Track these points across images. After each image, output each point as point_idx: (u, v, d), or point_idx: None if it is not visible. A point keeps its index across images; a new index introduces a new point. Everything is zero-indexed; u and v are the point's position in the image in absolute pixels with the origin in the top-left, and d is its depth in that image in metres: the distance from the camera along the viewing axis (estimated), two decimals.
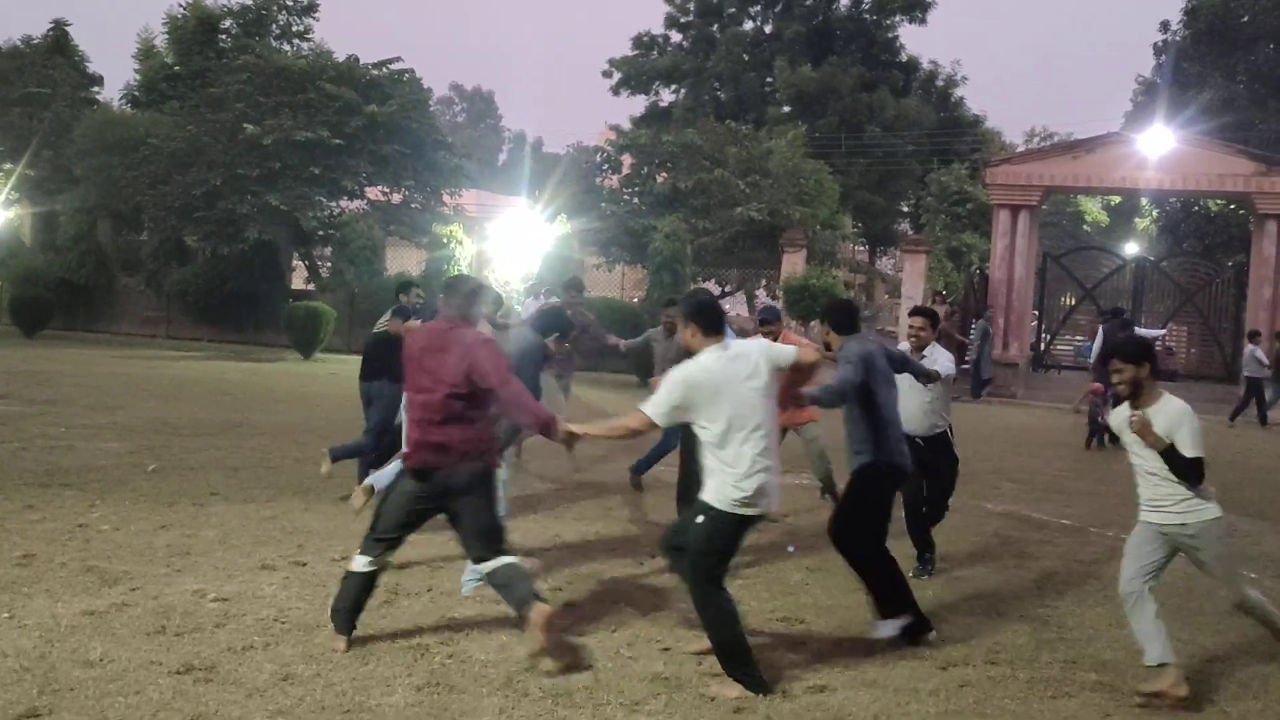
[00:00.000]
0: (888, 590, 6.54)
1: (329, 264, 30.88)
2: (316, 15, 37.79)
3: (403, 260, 32.46)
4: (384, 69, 31.29)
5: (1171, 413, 5.76)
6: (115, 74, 49.87)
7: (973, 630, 6.82)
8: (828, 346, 6.88)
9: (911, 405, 7.72)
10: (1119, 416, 5.99)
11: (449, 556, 7.60)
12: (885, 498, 6.75)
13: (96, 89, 39.57)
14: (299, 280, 33.86)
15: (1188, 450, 5.67)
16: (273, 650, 5.72)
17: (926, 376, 7.71)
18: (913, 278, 26.76)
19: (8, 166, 31.95)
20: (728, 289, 31.62)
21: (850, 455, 6.75)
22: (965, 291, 29.07)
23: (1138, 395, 5.83)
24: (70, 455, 11.06)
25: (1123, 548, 6.10)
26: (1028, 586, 7.98)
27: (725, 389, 5.48)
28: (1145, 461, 5.86)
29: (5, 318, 29.76)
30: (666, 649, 6.10)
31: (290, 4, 37.39)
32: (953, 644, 6.49)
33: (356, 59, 31.30)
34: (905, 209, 49.13)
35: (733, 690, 5.41)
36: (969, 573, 8.28)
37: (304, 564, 7.47)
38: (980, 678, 5.93)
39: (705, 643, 5.69)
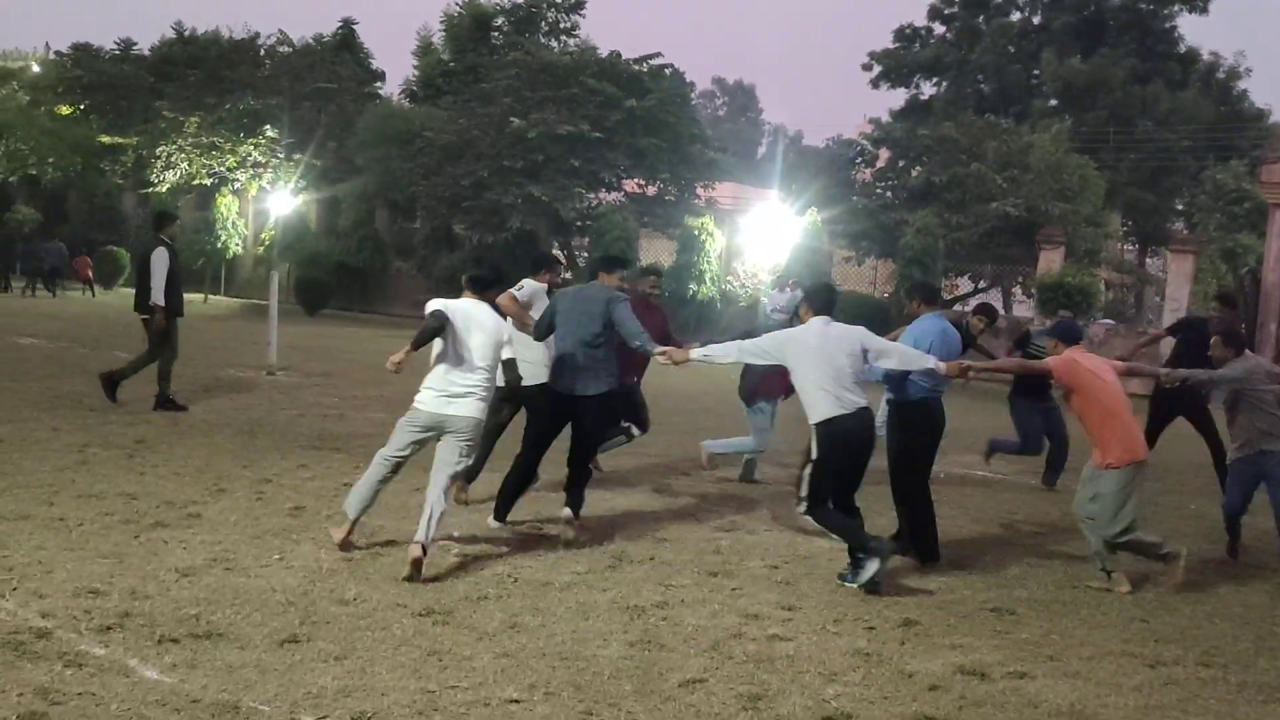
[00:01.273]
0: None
1: (586, 253, 31.96)
2: (584, 12, 39.06)
3: (656, 250, 33.25)
4: (644, 64, 32.14)
5: None
6: (396, 70, 53.04)
7: (1191, 631, 6.74)
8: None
9: None
10: None
11: (671, 529, 8.02)
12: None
13: (379, 84, 42.14)
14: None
15: None
16: (504, 601, 6.26)
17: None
18: (1179, 279, 25.60)
19: (297, 156, 34.43)
20: (982, 285, 30.99)
21: None
22: (1236, 295, 27.51)
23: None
24: (341, 423, 12.07)
25: None
26: (1259, 594, 7.76)
27: None
28: None
29: (290, 297, 32.14)
30: (871, 628, 6.32)
31: (559, 1, 38.79)
32: (1166, 643, 6.45)
33: (619, 55, 32.28)
34: (1179, 207, 46.79)
35: None
36: (1200, 575, 8.11)
37: (540, 528, 8.03)
38: (1189, 677, 5.90)
39: None
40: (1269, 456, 8.32)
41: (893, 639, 6.15)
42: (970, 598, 7.11)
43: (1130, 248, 49.85)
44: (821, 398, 7.01)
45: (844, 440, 7.04)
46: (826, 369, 7.04)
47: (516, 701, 4.86)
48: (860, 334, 7.29)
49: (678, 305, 27.72)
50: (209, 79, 35.72)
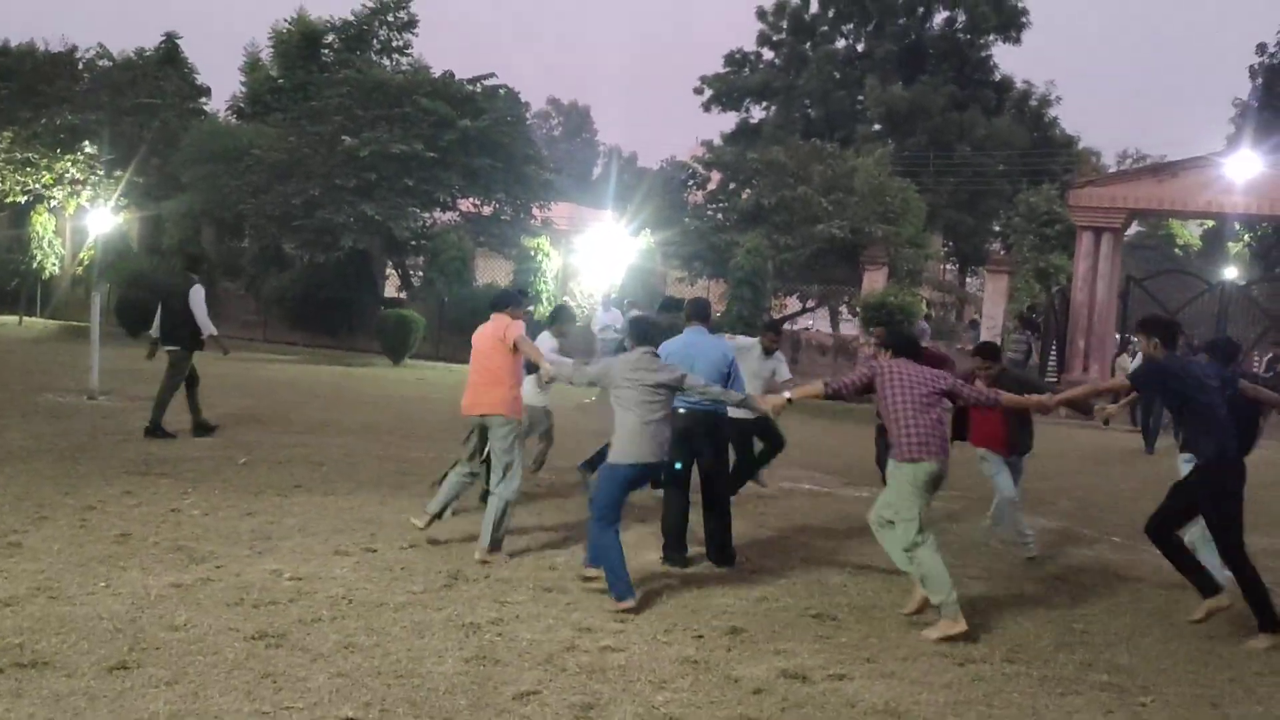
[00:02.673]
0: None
1: (420, 273, 31.80)
2: (416, 31, 38.80)
3: (492, 271, 33.30)
4: (478, 84, 32.19)
5: None
6: (222, 86, 51.73)
7: (998, 631, 7.16)
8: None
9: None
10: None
11: (507, 546, 8.14)
12: None
13: (204, 100, 41.07)
14: (391, 288, 34.88)
15: None
16: (339, 623, 6.29)
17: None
18: (994, 297, 26.84)
19: (118, 173, 33.37)
20: (810, 305, 31.89)
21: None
22: (1046, 313, 29.03)
23: None
24: (167, 448, 11.81)
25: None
26: (1062, 595, 8.27)
27: None
28: None
29: (112, 319, 31.09)
30: (700, 636, 6.55)
31: (391, 20, 38.48)
32: (975, 643, 6.85)
33: (452, 74, 32.26)
34: (996, 229, 48.95)
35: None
36: (1007, 581, 8.59)
37: (375, 550, 8.04)
38: (995, 673, 6.28)
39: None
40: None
41: (720, 646, 6.39)
42: (794, 605, 7.42)
43: (951, 268, 51.92)
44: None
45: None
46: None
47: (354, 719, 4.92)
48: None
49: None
50: (23, 92, 34.31)
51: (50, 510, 8.49)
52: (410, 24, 38.63)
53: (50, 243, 32.90)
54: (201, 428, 12.94)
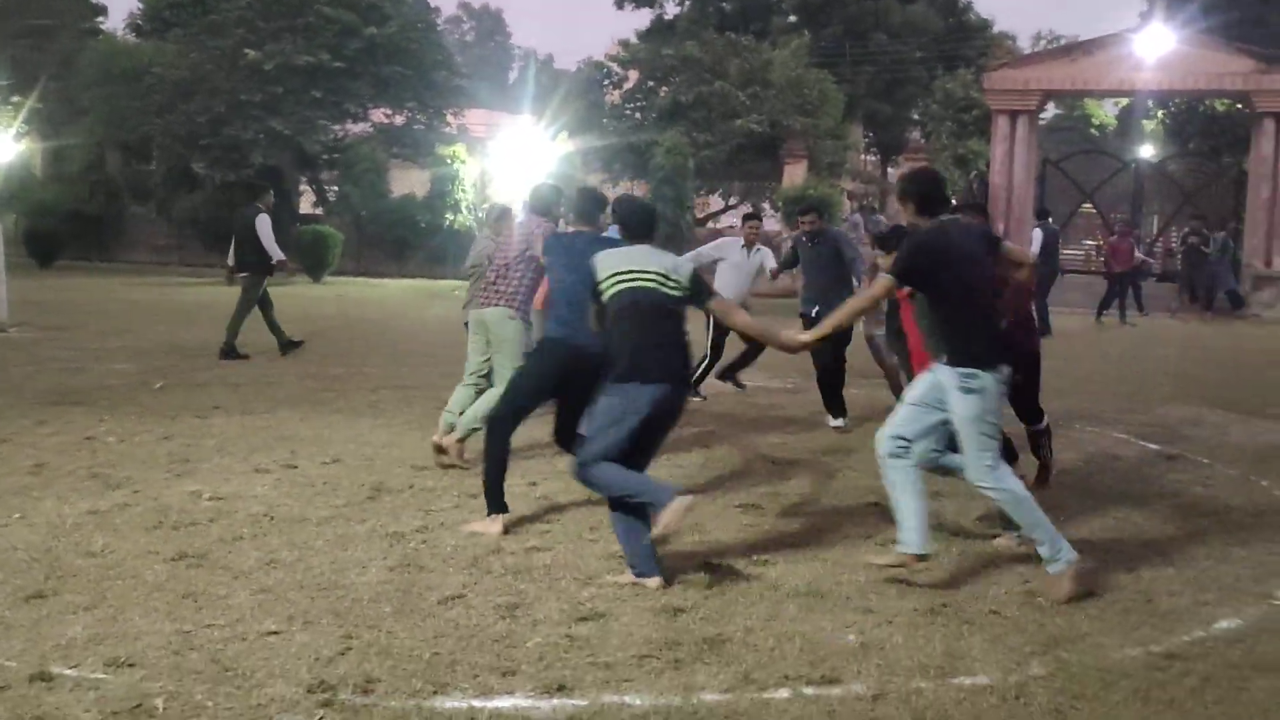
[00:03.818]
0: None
1: (335, 187, 31.27)
2: None
3: (409, 182, 32.79)
4: None
5: None
6: (119, 3, 49.89)
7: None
8: None
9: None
10: None
11: (430, 458, 8.11)
12: None
13: (101, 19, 39.78)
14: (307, 205, 34.26)
15: None
16: (260, 540, 6.23)
17: None
18: None
19: (16, 100, 32.24)
20: (732, 201, 31.84)
21: None
22: (963, 198, 29.17)
23: None
24: (81, 376, 11.58)
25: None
26: None
27: None
28: None
29: (20, 249, 30.26)
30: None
31: None
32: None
33: None
34: (915, 117, 48.89)
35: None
36: None
37: (295, 467, 7.97)
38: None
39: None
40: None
41: None
42: (721, 498, 7.49)
43: (872, 158, 51.93)
44: None
45: None
46: None
47: (275, 633, 4.89)
48: None
49: (432, 235, 27.52)
50: None
51: None
52: None
53: None
54: (287, 345, 13.64)
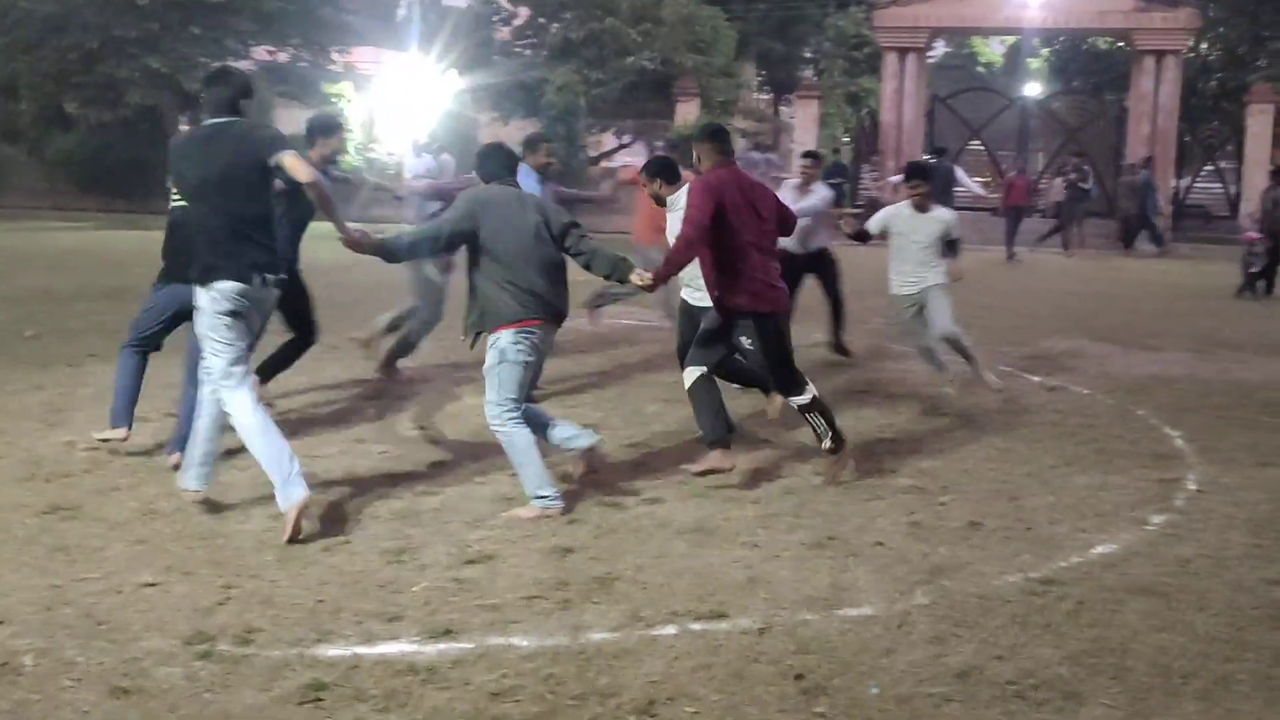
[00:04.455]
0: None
1: None
2: None
3: (294, 121, 31.94)
4: None
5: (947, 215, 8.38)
6: None
7: (808, 447, 7.32)
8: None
9: None
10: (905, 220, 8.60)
11: (316, 398, 7.96)
12: None
13: None
14: None
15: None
16: (137, 491, 6.05)
17: None
18: (805, 123, 27.07)
19: None
20: (625, 140, 31.65)
21: None
22: (856, 136, 29.47)
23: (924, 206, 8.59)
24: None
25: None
26: (869, 407, 8.51)
27: None
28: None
29: None
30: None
31: None
32: (790, 460, 7.01)
33: None
34: (808, 56, 48.97)
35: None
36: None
37: (175, 415, 7.73)
38: (803, 486, 6.45)
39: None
40: None
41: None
42: (610, 437, 7.44)
43: (765, 97, 51.96)
44: None
45: None
46: None
47: (152, 585, 4.75)
48: None
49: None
50: None
51: None
52: None
53: None
54: None
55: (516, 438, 5.82)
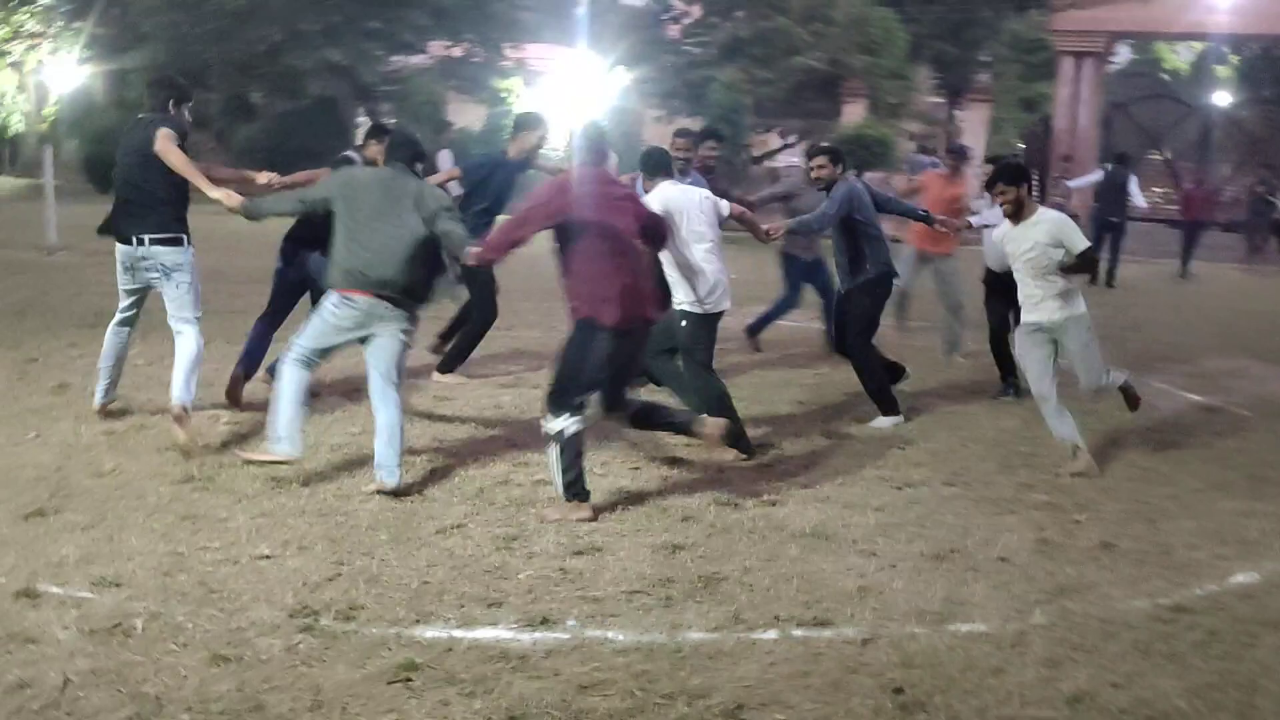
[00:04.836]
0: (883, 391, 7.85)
1: (392, 120, 31.17)
2: None
3: (466, 115, 32.62)
4: None
5: (1052, 220, 6.88)
6: None
7: (943, 455, 7.13)
8: None
9: None
10: (1002, 234, 7.21)
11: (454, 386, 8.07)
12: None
13: None
14: (362, 136, 34.26)
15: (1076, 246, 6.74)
16: (269, 465, 6.19)
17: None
18: (974, 127, 26.45)
19: (78, 25, 32.41)
20: (790, 140, 31.34)
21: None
22: (1029, 142, 28.60)
23: (1019, 213, 6.90)
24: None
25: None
26: (1014, 419, 8.21)
27: None
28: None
29: (80, 175, 30.56)
30: (636, 468, 6.51)
31: None
32: (918, 466, 6.82)
33: None
34: (985, 59, 47.78)
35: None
36: (958, 405, 8.54)
37: (316, 395, 7.92)
38: (931, 496, 6.26)
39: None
40: None
41: (655, 477, 6.36)
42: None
43: (941, 101, 50.92)
44: None
45: None
46: None
47: (267, 557, 4.88)
48: None
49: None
50: None
51: None
52: None
53: (13, 99, 32.18)
54: None
55: (285, 377, 5.96)
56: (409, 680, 3.85)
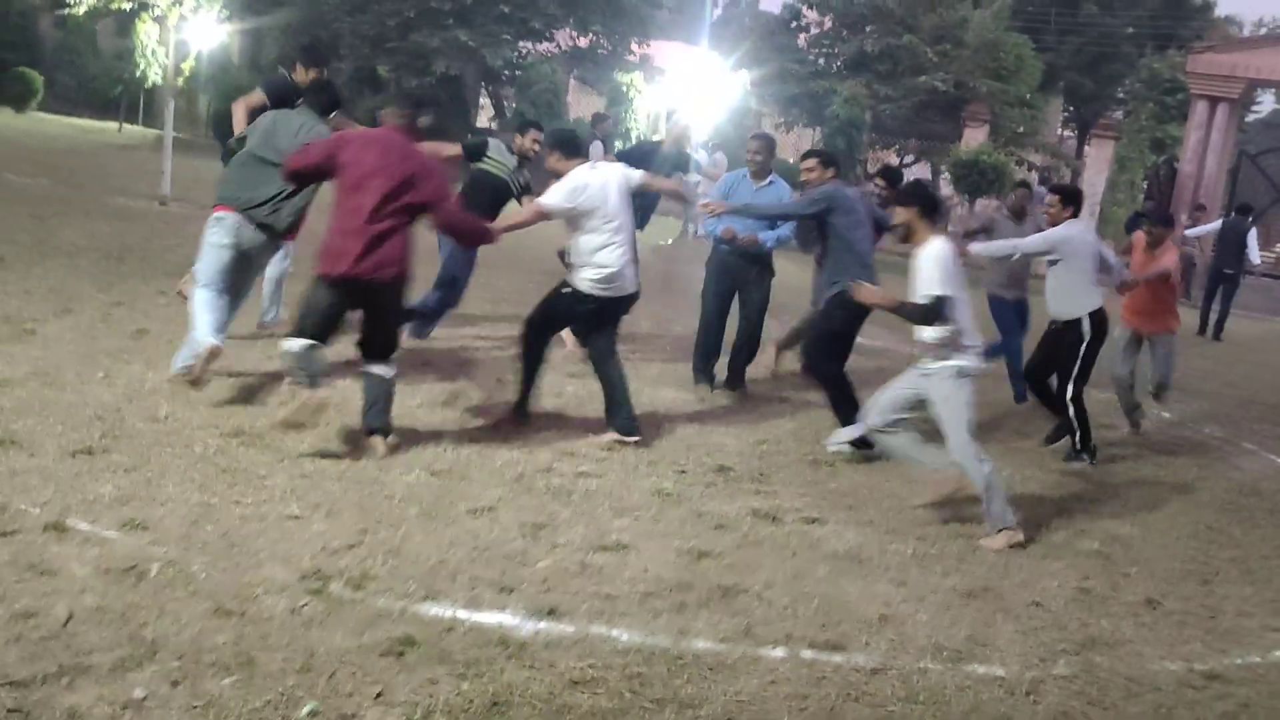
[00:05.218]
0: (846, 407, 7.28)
1: (513, 103, 31.49)
2: None
3: (585, 106, 32.83)
4: None
5: (926, 253, 5.99)
6: None
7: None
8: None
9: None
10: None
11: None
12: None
13: None
14: (485, 118, 34.63)
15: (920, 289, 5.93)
16: (324, 430, 6.26)
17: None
18: (1098, 163, 25.80)
19: None
20: (907, 160, 30.97)
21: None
22: (1150, 183, 27.84)
23: (910, 238, 6.08)
24: None
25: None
26: (1095, 467, 7.97)
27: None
28: None
29: (209, 130, 31.41)
30: (683, 471, 6.46)
31: None
32: (971, 503, 6.64)
33: None
34: (1120, 95, 46.69)
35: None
36: (1025, 446, 8.33)
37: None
38: (978, 533, 6.08)
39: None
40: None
41: (700, 482, 6.30)
42: (793, 449, 7.29)
43: (1070, 134, 49.85)
44: None
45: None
46: None
47: (295, 518, 4.93)
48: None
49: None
50: None
51: (78, 303, 8.59)
52: None
53: (154, 52, 33.06)
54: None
55: (197, 298, 6.78)
56: (402, 654, 3.86)
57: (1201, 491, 7.66)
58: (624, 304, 6.97)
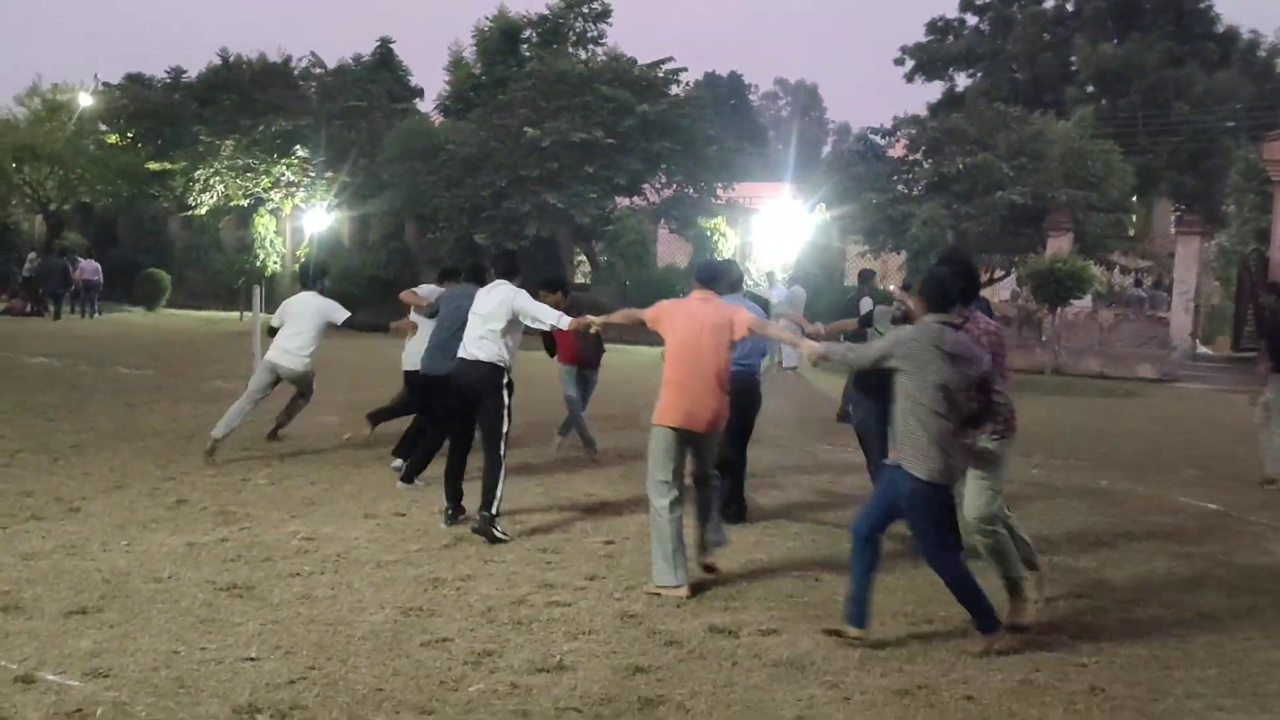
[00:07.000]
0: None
1: (605, 257, 32.51)
2: (610, 21, 39.59)
3: (673, 252, 33.70)
4: (657, 69, 32.66)
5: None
6: (435, 86, 53.66)
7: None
8: None
9: None
10: None
11: (508, 506, 8.44)
12: None
13: (417, 100, 43.15)
14: (581, 275, 35.75)
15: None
16: (313, 578, 6.72)
17: None
18: (1185, 261, 25.43)
19: (330, 174, 35.37)
20: (994, 275, 30.90)
21: None
22: (1240, 273, 27.27)
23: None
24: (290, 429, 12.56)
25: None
26: (1095, 564, 7.97)
27: None
28: None
29: None
30: (655, 594, 6.69)
31: (586, 11, 39.37)
32: (941, 603, 6.72)
33: (634, 60, 32.87)
34: (1227, 190, 46.09)
35: None
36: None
37: (404, 515, 8.49)
38: (942, 631, 6.17)
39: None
40: None
41: (669, 603, 6.52)
42: (781, 559, 7.47)
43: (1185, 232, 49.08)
44: None
45: None
46: None
47: (253, 659, 5.33)
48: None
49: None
50: (244, 103, 36.84)
51: (131, 480, 9.30)
52: (604, 14, 39.40)
53: (271, 242, 35.16)
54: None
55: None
56: None
57: (1212, 573, 7.57)
58: None
